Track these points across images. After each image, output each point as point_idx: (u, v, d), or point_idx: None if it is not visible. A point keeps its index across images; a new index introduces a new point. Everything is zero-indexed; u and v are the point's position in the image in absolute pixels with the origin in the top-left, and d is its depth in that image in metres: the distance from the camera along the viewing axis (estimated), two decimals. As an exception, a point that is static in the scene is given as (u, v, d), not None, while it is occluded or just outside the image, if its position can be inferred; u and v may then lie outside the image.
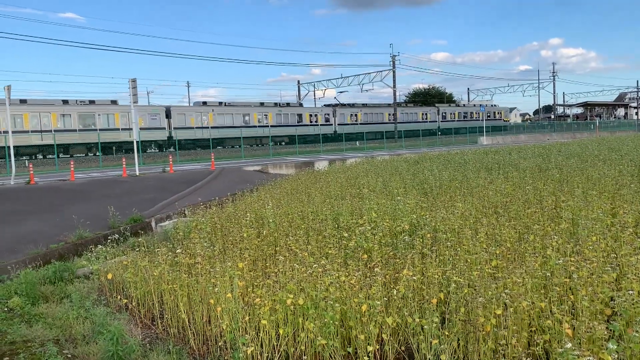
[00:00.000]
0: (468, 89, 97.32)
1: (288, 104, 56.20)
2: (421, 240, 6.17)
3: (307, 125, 55.09)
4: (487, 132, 59.11)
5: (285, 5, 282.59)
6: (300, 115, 55.04)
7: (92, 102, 41.36)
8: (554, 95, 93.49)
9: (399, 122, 62.66)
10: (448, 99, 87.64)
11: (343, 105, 61.22)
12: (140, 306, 6.25)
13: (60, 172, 26.05)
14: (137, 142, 23.20)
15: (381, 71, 63.66)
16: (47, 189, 17.51)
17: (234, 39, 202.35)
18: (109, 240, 8.70)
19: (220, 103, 49.55)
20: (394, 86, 62.92)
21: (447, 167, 16.82)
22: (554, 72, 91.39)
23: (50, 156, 35.76)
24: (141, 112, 41.51)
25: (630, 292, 3.93)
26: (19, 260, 8.97)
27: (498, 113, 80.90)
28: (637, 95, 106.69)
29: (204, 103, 48.66)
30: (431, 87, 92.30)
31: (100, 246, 8.41)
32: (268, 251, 6.80)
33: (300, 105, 59.14)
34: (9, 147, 20.33)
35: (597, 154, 19.41)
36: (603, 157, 17.29)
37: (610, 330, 3.64)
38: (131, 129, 39.44)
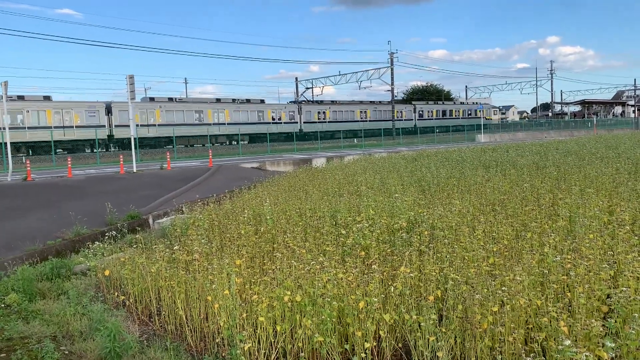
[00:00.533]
0: (466, 86, 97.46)
1: (248, 100, 51.99)
2: (419, 237, 6.17)
3: (269, 123, 51.43)
4: (467, 131, 58.86)
5: (283, 1, 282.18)
6: (261, 113, 51.64)
7: (20, 97, 38.35)
8: (552, 93, 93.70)
9: (370, 120, 60.25)
10: (446, 97, 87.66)
11: (310, 102, 58.47)
12: (137, 303, 6.25)
13: (58, 169, 26.00)
14: (134, 138, 23.15)
15: (379, 68, 63.60)
16: (44, 185, 17.48)
17: (232, 35, 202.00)
18: (106, 237, 8.69)
19: (171, 99, 46.19)
20: (392, 83, 62.89)
21: (445, 164, 16.84)
22: (551, 70, 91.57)
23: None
24: (76, 108, 39.61)
25: (627, 289, 3.94)
26: (16, 256, 8.96)
27: (480, 111, 77.19)
28: (635, 94, 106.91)
29: (152, 99, 45.24)
30: (429, 84, 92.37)
31: (97, 243, 8.40)
32: (265, 248, 6.80)
33: (262, 101, 54.14)
34: (5, 143, 20.27)
35: (594, 151, 19.44)
36: (600, 155, 17.32)
37: (607, 327, 3.65)
38: (67, 127, 38.48)
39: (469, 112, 74.63)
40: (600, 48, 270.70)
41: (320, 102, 59.27)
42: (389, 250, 6.05)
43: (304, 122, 55.10)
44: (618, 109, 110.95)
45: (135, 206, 13.47)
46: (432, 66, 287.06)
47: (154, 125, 43.44)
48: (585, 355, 3.05)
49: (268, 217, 8.06)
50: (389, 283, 5.03)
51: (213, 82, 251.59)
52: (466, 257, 5.37)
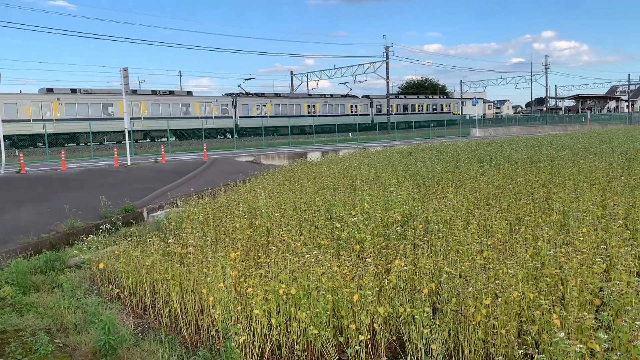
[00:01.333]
0: (461, 81, 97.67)
1: (171, 92, 46.02)
2: (413, 231, 6.20)
3: (198, 118, 45.20)
4: (432, 127, 56.35)
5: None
6: (187, 106, 45.48)
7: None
8: (546, 88, 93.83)
9: (320, 115, 55.01)
10: (441, 91, 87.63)
11: (248, 94, 52.11)
12: (132, 296, 6.25)
13: (51, 162, 25.88)
14: (128, 131, 23.05)
15: (374, 62, 63.49)
16: (37, 178, 17.39)
17: (226, 28, 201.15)
18: (100, 230, 8.67)
19: (74, 90, 40.02)
20: (387, 77, 62.84)
21: (439, 158, 16.87)
22: (546, 65, 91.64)
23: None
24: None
25: (619, 282, 3.97)
26: (10, 249, 8.92)
27: (447, 106, 72.53)
28: (628, 89, 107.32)
29: (50, 90, 39.25)
30: (424, 78, 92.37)
31: (91, 236, 8.38)
32: (260, 241, 6.80)
33: (189, 93, 48.29)
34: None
35: (588, 146, 19.53)
36: (594, 150, 17.40)
37: (599, 320, 3.69)
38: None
39: (434, 107, 69.37)
40: (595, 43, 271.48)
41: (261, 95, 52.87)
42: (383, 243, 6.07)
43: (240, 117, 48.85)
44: (612, 104, 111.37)
45: (130, 199, 13.43)
46: (427, 60, 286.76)
47: (51, 120, 37.51)
48: (579, 347, 3.08)
49: (263, 211, 8.06)
50: (384, 276, 5.05)
51: (208, 75, 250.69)
52: (460, 251, 5.40)
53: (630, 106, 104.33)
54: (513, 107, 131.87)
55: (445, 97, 75.16)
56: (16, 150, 31.23)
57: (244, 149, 36.37)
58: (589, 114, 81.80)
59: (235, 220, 7.57)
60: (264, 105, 51.58)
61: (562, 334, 3.19)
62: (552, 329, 3.57)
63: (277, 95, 54.56)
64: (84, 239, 8.50)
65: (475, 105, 63.93)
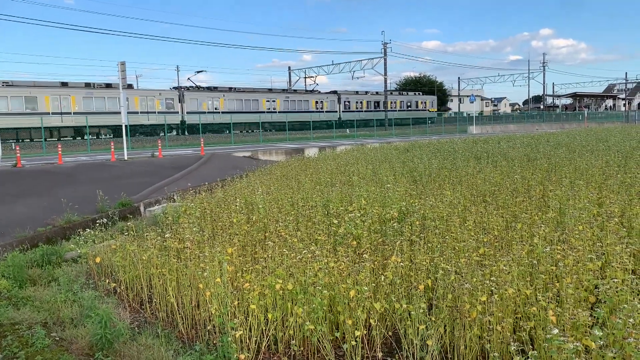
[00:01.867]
0: (459, 78, 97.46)
1: (108, 85, 41.06)
2: (410, 227, 6.21)
3: (137, 113, 40.62)
4: (404, 125, 53.37)
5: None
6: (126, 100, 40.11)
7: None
8: (544, 86, 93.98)
9: (281, 112, 51.04)
10: (439, 88, 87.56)
11: (198, 88, 47.41)
12: (128, 290, 6.25)
13: (48, 155, 25.81)
14: (125, 125, 23.00)
15: (372, 58, 63.39)
16: (34, 172, 17.34)
17: (224, 23, 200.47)
18: (97, 224, 8.66)
19: None
20: (385, 74, 62.77)
21: (437, 155, 16.89)
22: (544, 63, 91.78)
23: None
24: None
25: (615, 280, 3.99)
26: (6, 243, 8.91)
27: (422, 103, 67.72)
28: (626, 87, 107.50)
29: None
30: (422, 75, 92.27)
31: (88, 230, 8.37)
32: (257, 237, 6.81)
33: (129, 86, 42.97)
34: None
35: (585, 144, 19.57)
36: (591, 148, 17.44)
37: (594, 317, 3.71)
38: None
39: (409, 104, 64.88)
40: (593, 41, 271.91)
41: (214, 89, 47.87)
42: (380, 239, 6.08)
43: (188, 113, 44.35)
44: (609, 102, 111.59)
45: (127, 194, 13.42)
46: (425, 57, 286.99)
47: None
48: (574, 345, 3.10)
49: (260, 206, 8.06)
50: (380, 272, 5.07)
51: (205, 70, 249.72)
52: (457, 248, 5.41)
53: (627, 104, 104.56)
54: (510, 104, 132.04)
55: (421, 94, 69.83)
56: (12, 144, 31.11)
57: (241, 144, 36.33)
58: (586, 112, 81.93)
59: (233, 216, 7.57)
60: (217, 101, 46.82)
61: (556, 330, 3.21)
62: (547, 326, 3.59)
63: (231, 89, 49.02)
64: (81, 233, 8.50)
65: (472, 102, 63.49)
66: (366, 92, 62.74)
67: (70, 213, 10.83)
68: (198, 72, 78.86)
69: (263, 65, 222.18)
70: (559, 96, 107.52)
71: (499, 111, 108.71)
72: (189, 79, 54.84)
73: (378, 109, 60.73)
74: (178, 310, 5.36)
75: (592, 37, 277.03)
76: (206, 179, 16.10)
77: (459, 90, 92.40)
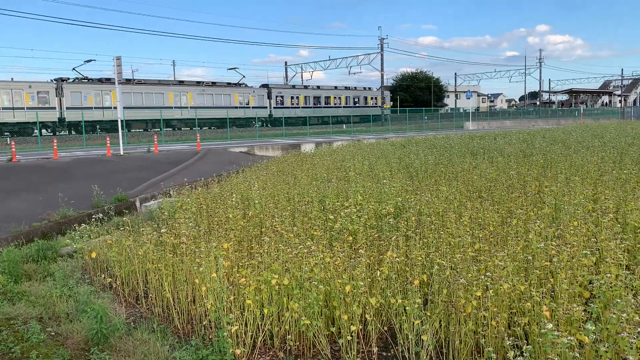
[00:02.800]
0: (455, 73, 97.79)
1: None
2: (406, 223, 6.22)
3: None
4: (355, 123, 49.58)
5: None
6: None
7: None
8: (540, 82, 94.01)
9: (194, 107, 43.53)
10: (435, 84, 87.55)
11: (84, 80, 40.19)
12: (124, 285, 6.25)
13: (43, 150, 25.72)
14: (121, 121, 22.92)
15: (369, 54, 63.37)
16: (29, 167, 17.28)
17: (220, 18, 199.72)
18: (93, 219, 8.65)
19: None
20: (382, 69, 62.79)
21: (433, 151, 16.91)
22: (540, 59, 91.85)
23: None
24: None
25: (609, 275, 4.01)
26: (1, 238, 8.89)
27: (373, 99, 61.43)
28: (622, 84, 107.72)
29: None
30: (419, 71, 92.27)
31: (84, 225, 8.36)
32: (253, 232, 6.81)
33: None
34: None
35: (580, 140, 19.62)
36: (586, 144, 17.49)
37: (588, 312, 3.73)
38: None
39: (356, 100, 59.18)
40: (589, 38, 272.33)
41: (105, 80, 40.43)
42: (376, 235, 6.09)
43: (69, 108, 37.86)
44: (605, 99, 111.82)
45: (122, 189, 13.39)
46: (422, 53, 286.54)
47: None
48: (568, 339, 3.12)
49: (256, 202, 8.06)
50: (376, 267, 5.08)
51: (202, 65, 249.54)
52: (452, 243, 5.43)
53: (622, 101, 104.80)
54: (507, 100, 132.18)
55: (371, 89, 63.00)
56: (7, 138, 30.98)
57: (238, 139, 36.28)
58: (582, 108, 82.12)
59: (229, 211, 7.57)
60: (107, 94, 39.70)
61: (550, 325, 3.23)
62: (541, 321, 3.61)
63: (129, 81, 41.48)
64: (76, 228, 8.49)
65: (469, 98, 63.45)
66: (305, 87, 56.16)
67: (65, 208, 10.80)
68: (87, 61, 71.55)
69: (259, 60, 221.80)
70: (555, 92, 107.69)
71: (496, 107, 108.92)
72: (74, 69, 47.69)
73: (318, 105, 54.86)
74: (174, 305, 5.36)
75: (589, 34, 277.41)
76: (202, 174, 16.08)
77: (455, 86, 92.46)
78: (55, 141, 21.35)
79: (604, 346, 3.17)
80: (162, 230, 6.71)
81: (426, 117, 60.85)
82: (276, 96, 51.38)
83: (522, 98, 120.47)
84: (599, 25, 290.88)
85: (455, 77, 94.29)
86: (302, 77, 71.82)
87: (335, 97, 56.76)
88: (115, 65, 21.81)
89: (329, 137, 37.79)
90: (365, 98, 60.49)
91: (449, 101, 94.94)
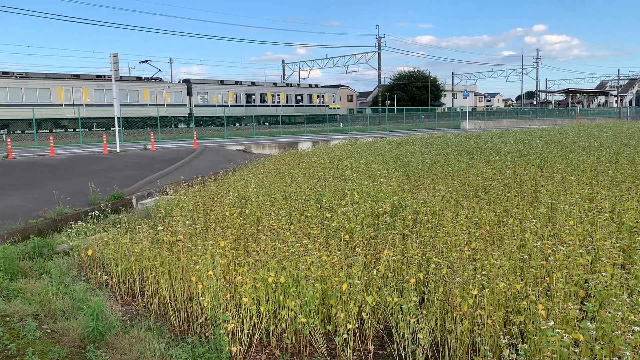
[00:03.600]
0: (452, 73, 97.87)
1: None
2: (402, 221, 6.23)
3: None
4: (293, 124, 46.02)
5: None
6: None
7: None
8: (537, 82, 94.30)
9: (90, 105, 37.86)
10: (432, 83, 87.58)
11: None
12: (120, 283, 6.24)
13: (39, 148, 25.64)
14: (118, 118, 22.88)
15: (366, 53, 63.48)
16: (25, 164, 17.23)
17: (218, 16, 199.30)
18: (89, 217, 8.61)
19: None
20: (379, 68, 62.86)
21: (430, 150, 16.93)
22: (537, 59, 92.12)
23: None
24: None
25: (604, 274, 4.03)
26: (-3, 235, 8.86)
27: (319, 97, 55.76)
28: (618, 84, 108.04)
29: None
30: (416, 70, 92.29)
31: (80, 222, 8.33)
32: (250, 230, 6.81)
33: None
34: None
35: (577, 140, 19.68)
36: (583, 144, 17.53)
37: (584, 311, 3.74)
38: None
39: (299, 98, 53.56)
40: (586, 38, 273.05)
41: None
42: (372, 233, 6.10)
43: None
44: (601, 99, 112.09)
45: (119, 186, 13.37)
46: (419, 52, 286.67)
47: None
48: (567, 337, 3.13)
49: (253, 200, 8.06)
50: (372, 266, 5.08)
51: (199, 63, 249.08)
52: (448, 242, 5.44)
53: (619, 101, 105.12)
54: (503, 100, 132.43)
55: (313, 86, 57.30)
56: (3, 135, 30.85)
57: (235, 137, 36.24)
58: (578, 108, 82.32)
59: (225, 209, 7.56)
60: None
61: (552, 323, 3.25)
62: (537, 320, 3.62)
63: (6, 74, 35.76)
64: (73, 225, 8.45)
65: (466, 97, 63.50)
66: (236, 82, 49.57)
67: (62, 205, 10.77)
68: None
69: (256, 58, 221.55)
70: (551, 92, 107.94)
71: (492, 107, 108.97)
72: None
73: (252, 104, 49.55)
74: (170, 302, 5.36)
75: (585, 34, 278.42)
76: (199, 172, 16.06)
77: (452, 85, 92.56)
78: (51, 138, 21.28)
79: (600, 345, 3.19)
80: (158, 228, 6.71)
81: (423, 116, 60.78)
82: (198, 92, 45.56)
83: (518, 98, 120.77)
84: (595, 26, 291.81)
85: (453, 77, 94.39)
86: (299, 75, 71.86)
87: (273, 95, 51.29)
88: (112, 63, 21.76)
89: (260, 138, 37.21)
90: (310, 96, 54.95)
91: (446, 100, 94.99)
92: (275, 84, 53.44)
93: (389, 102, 71.56)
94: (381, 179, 9.33)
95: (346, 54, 66.51)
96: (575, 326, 3.61)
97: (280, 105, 51.40)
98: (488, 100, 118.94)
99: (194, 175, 15.30)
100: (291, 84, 55.09)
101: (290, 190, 8.98)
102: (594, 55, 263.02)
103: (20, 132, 35.11)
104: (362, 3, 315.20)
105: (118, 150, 21.67)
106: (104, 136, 22.64)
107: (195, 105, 44.90)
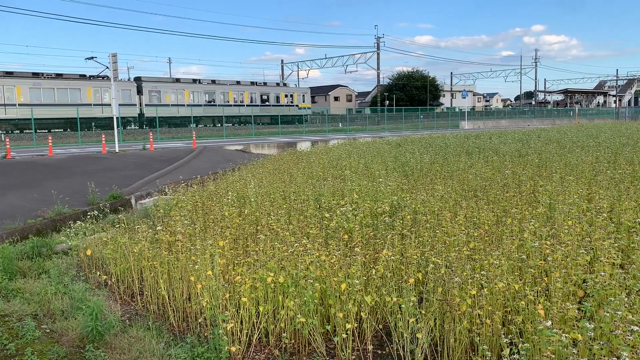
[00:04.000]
0: (451, 73, 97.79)
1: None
2: (401, 221, 6.24)
3: None
4: (263, 125, 44.00)
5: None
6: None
7: None
8: (536, 82, 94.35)
9: (23, 105, 34.62)
10: (431, 83, 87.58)
11: None
12: (119, 282, 6.24)
13: (38, 147, 25.62)
14: (116, 118, 22.86)
15: (365, 53, 63.49)
16: (24, 163, 17.21)
17: (218, 16, 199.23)
18: (88, 217, 8.62)
19: None
20: (378, 68, 62.87)
21: (428, 150, 16.94)
22: (536, 59, 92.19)
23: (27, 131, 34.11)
24: None
25: (603, 274, 4.04)
26: (-4, 235, 8.85)
27: (288, 96, 52.93)
28: (617, 84, 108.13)
29: None
30: (415, 70, 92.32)
31: (79, 222, 8.33)
32: (249, 230, 6.81)
33: None
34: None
35: (575, 140, 19.70)
36: (581, 144, 17.55)
37: (582, 310, 3.75)
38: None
39: (265, 98, 50.80)
40: (585, 38, 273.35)
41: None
42: (371, 233, 6.11)
43: None
44: (600, 99, 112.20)
45: (118, 186, 13.36)
46: (418, 52, 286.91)
47: None
48: (565, 337, 3.14)
49: (252, 200, 8.06)
50: (371, 266, 5.09)
51: (198, 63, 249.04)
52: (447, 242, 5.44)
53: (617, 101, 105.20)
54: (502, 100, 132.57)
55: (281, 85, 54.46)
56: (2, 135, 30.81)
57: (234, 137, 36.23)
58: (577, 108, 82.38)
59: (224, 209, 7.56)
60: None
61: (550, 322, 3.25)
62: (536, 319, 3.63)
63: None
64: (71, 225, 8.46)
65: (465, 97, 63.40)
66: (194, 80, 46.81)
67: (60, 205, 10.76)
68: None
69: (255, 58, 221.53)
70: (550, 92, 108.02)
71: (491, 107, 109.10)
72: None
73: (212, 103, 46.77)
74: (169, 302, 5.36)
75: (584, 34, 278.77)
76: (198, 172, 16.05)
77: (451, 85, 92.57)
78: (50, 138, 21.26)
79: (598, 344, 3.19)
80: (157, 228, 6.71)
81: (422, 116, 60.77)
82: (150, 91, 42.26)
83: (517, 98, 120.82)
84: (594, 26, 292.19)
85: (451, 77, 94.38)
86: (298, 75, 71.88)
87: (235, 94, 48.43)
88: (111, 62, 21.75)
89: (259, 138, 36.88)
90: (278, 96, 52.05)
91: (445, 100, 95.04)
92: (238, 82, 49.98)
93: (387, 102, 71.49)
94: (380, 179, 9.34)
95: (345, 54, 66.58)
96: (573, 326, 3.62)
97: (243, 105, 48.76)
98: (487, 101, 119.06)
99: (193, 175, 15.30)
100: (257, 83, 51.47)
101: (289, 190, 8.99)
102: (592, 56, 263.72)
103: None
104: (363, 3, 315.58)
105: (117, 150, 21.66)
106: (103, 136, 22.62)
107: (146, 105, 41.77)
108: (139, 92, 41.71)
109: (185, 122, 43.02)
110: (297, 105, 53.31)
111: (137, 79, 42.87)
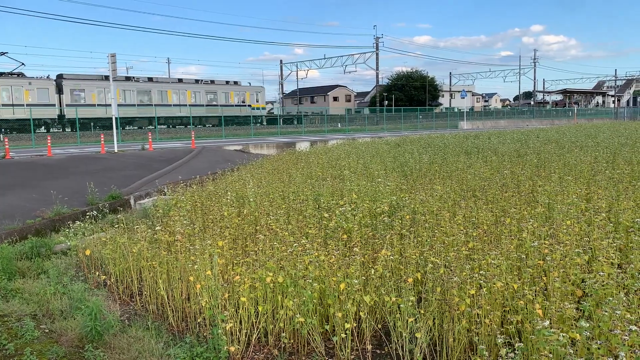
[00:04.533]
0: (450, 73, 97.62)
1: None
2: (400, 221, 6.25)
3: None
4: (208, 127, 41.09)
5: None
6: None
7: None
8: (534, 82, 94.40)
9: None
10: (430, 83, 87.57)
11: None
12: (119, 282, 6.24)
13: (37, 147, 25.59)
14: (116, 118, 22.85)
15: (364, 53, 63.54)
16: (23, 163, 17.20)
17: (216, 16, 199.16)
18: (87, 217, 8.62)
19: None
20: (377, 68, 62.89)
21: (427, 150, 16.95)
22: (534, 59, 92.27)
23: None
24: None
25: (601, 274, 4.05)
26: (-5, 235, 8.84)
27: (239, 95, 48.77)
28: (615, 84, 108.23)
29: None
30: (414, 70, 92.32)
31: (78, 222, 8.33)
32: (248, 230, 6.81)
33: None
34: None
35: (574, 140, 19.72)
36: (580, 144, 17.57)
37: (581, 310, 3.76)
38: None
39: (211, 97, 46.99)
40: (583, 38, 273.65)
41: None
42: (370, 233, 6.11)
43: None
44: (598, 99, 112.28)
45: (117, 186, 13.35)
46: (416, 52, 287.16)
47: None
48: (563, 336, 3.14)
49: (251, 200, 8.06)
50: (370, 266, 5.10)
51: (196, 63, 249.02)
52: (446, 242, 5.45)
53: (616, 101, 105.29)
54: (501, 100, 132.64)
55: (232, 83, 49.55)
56: (0, 135, 30.77)
57: (233, 137, 36.23)
58: (575, 108, 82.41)
59: (223, 209, 7.57)
60: None
61: (548, 322, 3.26)
62: (534, 319, 3.64)
63: None
64: (71, 225, 8.46)
65: (463, 98, 63.32)
66: (127, 78, 43.44)
67: (59, 205, 10.76)
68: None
69: (254, 58, 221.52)
70: (549, 92, 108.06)
71: (490, 107, 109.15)
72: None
73: (148, 103, 42.69)
74: (168, 302, 5.36)
75: (583, 34, 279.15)
76: (197, 172, 16.06)
77: (450, 85, 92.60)
78: (49, 138, 21.24)
79: (596, 344, 3.20)
80: (156, 228, 6.71)
81: (421, 117, 60.69)
82: (72, 90, 38.23)
83: (516, 98, 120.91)
84: (593, 26, 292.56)
85: (450, 77, 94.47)
86: (297, 75, 71.87)
87: (176, 93, 44.21)
88: (109, 62, 21.73)
89: (258, 139, 37.29)
90: (227, 95, 47.87)
91: (444, 100, 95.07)
92: (180, 80, 46.26)
93: (386, 102, 71.40)
94: (379, 179, 9.34)
95: (344, 54, 66.63)
96: (572, 325, 3.62)
97: (185, 105, 44.35)
98: (486, 101, 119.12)
99: (192, 175, 15.30)
100: (202, 81, 47.22)
101: (288, 190, 8.99)
102: (591, 56, 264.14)
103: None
104: (362, 3, 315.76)
105: (116, 150, 21.65)
106: (102, 136, 22.60)
107: (67, 105, 37.71)
108: (59, 91, 37.80)
109: (121, 123, 37.27)
110: (249, 105, 49.32)
111: (59, 77, 39.00)
